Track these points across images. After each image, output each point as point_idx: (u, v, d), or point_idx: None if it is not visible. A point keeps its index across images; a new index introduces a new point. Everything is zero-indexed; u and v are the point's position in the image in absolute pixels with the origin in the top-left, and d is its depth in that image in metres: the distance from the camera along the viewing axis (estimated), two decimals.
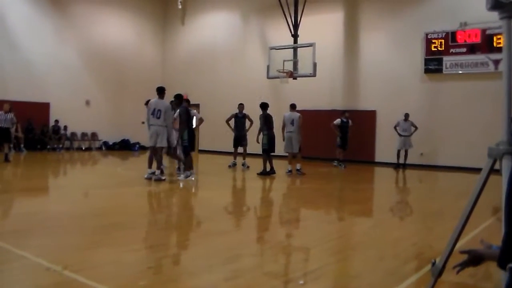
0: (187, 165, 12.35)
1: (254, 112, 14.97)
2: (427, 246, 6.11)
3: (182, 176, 12.27)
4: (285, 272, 4.94)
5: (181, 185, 11.72)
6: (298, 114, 14.39)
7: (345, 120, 17.22)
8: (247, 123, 15.67)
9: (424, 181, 15.68)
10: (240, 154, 15.92)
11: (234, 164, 15.75)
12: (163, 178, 11.72)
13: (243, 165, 15.53)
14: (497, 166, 2.21)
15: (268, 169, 13.81)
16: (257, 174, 13.84)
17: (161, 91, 11.89)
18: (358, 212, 9.05)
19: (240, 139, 15.67)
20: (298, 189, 12.55)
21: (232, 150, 16.17)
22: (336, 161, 17.39)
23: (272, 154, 14.04)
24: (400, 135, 17.41)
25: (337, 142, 17.24)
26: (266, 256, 5.52)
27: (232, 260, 5.17)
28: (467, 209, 2.23)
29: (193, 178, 12.21)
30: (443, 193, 12.22)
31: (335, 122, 17.14)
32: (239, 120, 15.69)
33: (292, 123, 14.23)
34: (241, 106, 15.82)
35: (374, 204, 10.79)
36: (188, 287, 4.33)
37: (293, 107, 14.67)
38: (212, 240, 6.25)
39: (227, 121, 15.82)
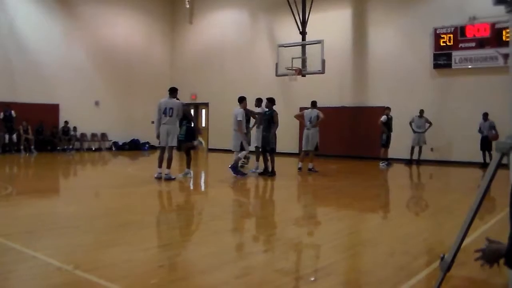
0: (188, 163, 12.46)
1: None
2: (437, 241, 6.10)
3: (180, 175, 12.32)
4: (296, 269, 4.95)
5: (190, 183, 11.77)
6: (317, 111, 14.25)
7: (390, 116, 16.86)
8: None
9: (435, 176, 15.62)
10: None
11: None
12: (173, 177, 11.76)
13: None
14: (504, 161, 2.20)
15: (269, 168, 13.22)
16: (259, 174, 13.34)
17: (173, 91, 11.92)
18: (369, 209, 9.03)
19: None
20: (308, 186, 12.55)
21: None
22: (383, 162, 16.75)
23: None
24: (414, 131, 17.38)
25: (382, 140, 16.74)
26: (277, 253, 5.52)
27: (243, 258, 5.19)
28: (475, 203, 2.22)
29: (190, 176, 12.39)
30: (454, 189, 12.17)
31: (382, 119, 16.64)
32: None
33: (310, 120, 14.16)
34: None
35: (385, 200, 10.76)
36: (199, 285, 4.34)
37: (313, 104, 14.50)
38: (222, 238, 6.27)
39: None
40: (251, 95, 13.94)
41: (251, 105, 13.83)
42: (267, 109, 13.33)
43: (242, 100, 13.00)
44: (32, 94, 20.86)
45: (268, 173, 13.10)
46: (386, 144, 16.85)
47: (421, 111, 17.41)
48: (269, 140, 13.04)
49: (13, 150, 19.99)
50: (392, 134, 16.93)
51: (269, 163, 13.18)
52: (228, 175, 12.74)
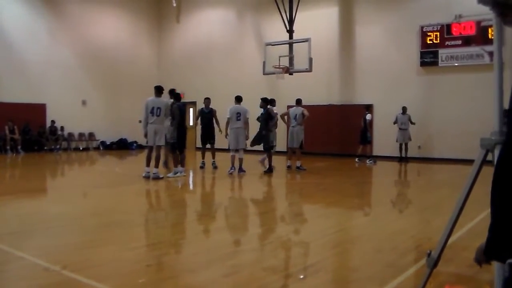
0: (175, 162, 12.43)
1: (252, 109, 14.60)
2: (425, 238, 6.13)
3: (171, 174, 12.30)
4: (284, 266, 4.95)
5: (179, 183, 11.74)
6: (301, 109, 14.28)
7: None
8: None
9: (422, 173, 15.70)
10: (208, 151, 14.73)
11: (204, 164, 14.62)
12: (161, 176, 11.73)
13: (212, 164, 14.42)
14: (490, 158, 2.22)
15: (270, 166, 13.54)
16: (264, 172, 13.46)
17: (159, 90, 11.95)
18: (357, 206, 9.07)
19: (207, 136, 14.47)
20: (297, 184, 12.57)
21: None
22: (370, 159, 17.37)
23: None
24: (400, 128, 17.43)
25: (369, 137, 17.26)
26: (265, 252, 5.53)
27: (231, 256, 5.18)
28: (461, 200, 2.24)
29: (179, 175, 12.31)
30: (441, 186, 12.23)
31: (369, 117, 17.21)
32: (206, 116, 14.48)
33: (295, 118, 14.21)
34: (207, 100, 14.53)
35: (372, 197, 10.82)
36: (187, 284, 4.34)
37: (297, 102, 14.57)
38: (210, 237, 6.27)
39: (196, 120, 14.85)
40: (239, 94, 13.91)
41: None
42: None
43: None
44: (18, 94, 20.62)
45: (269, 170, 13.37)
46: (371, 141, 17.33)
47: (404, 108, 17.44)
48: (268, 139, 13.41)
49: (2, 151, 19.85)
50: (379, 131, 17.07)
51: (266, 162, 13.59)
52: (215, 174, 12.72)
